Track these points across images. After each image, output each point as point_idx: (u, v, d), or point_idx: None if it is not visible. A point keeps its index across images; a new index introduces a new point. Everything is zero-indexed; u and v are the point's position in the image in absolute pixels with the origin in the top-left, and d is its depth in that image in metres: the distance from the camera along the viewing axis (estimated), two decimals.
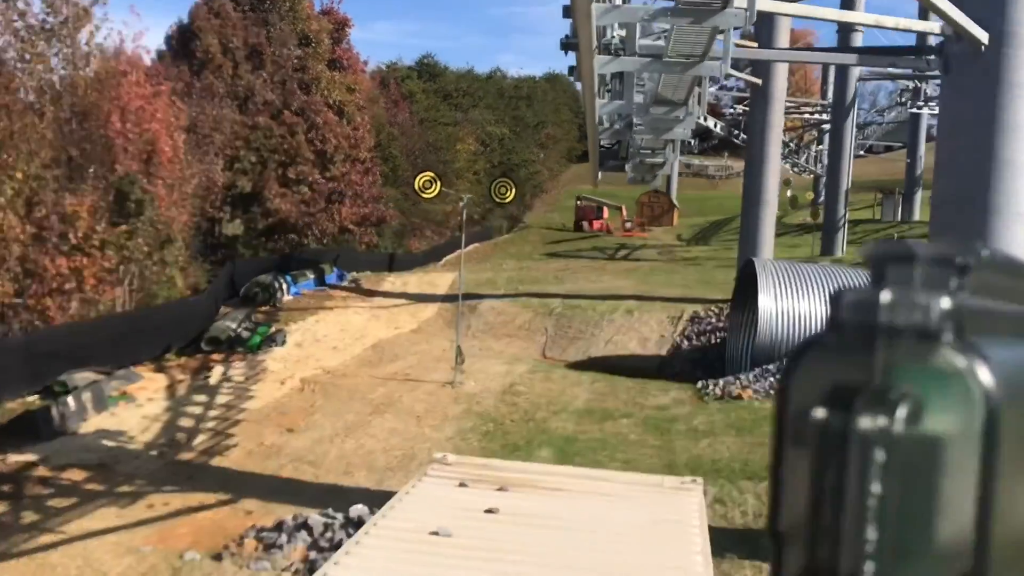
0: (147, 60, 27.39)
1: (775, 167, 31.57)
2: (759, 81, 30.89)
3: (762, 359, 24.63)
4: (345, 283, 37.14)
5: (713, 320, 30.33)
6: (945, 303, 0.32)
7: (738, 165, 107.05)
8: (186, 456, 17.54)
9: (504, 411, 20.64)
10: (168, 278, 27.45)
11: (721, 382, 23.28)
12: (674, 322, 30.55)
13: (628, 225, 68.34)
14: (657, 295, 33.67)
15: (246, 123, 38.16)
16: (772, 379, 22.71)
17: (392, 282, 37.66)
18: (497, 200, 22.87)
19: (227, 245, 39.03)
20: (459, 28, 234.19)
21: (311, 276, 35.40)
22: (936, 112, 54.10)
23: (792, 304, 25.07)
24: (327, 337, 28.05)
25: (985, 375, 0.30)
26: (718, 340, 29.20)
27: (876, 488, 0.30)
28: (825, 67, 76.69)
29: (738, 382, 23.09)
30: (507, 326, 31.25)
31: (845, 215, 45.00)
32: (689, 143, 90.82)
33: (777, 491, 0.33)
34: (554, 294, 34.17)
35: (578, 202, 74.68)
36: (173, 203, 26.33)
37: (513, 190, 22.76)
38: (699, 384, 23.44)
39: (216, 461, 17.28)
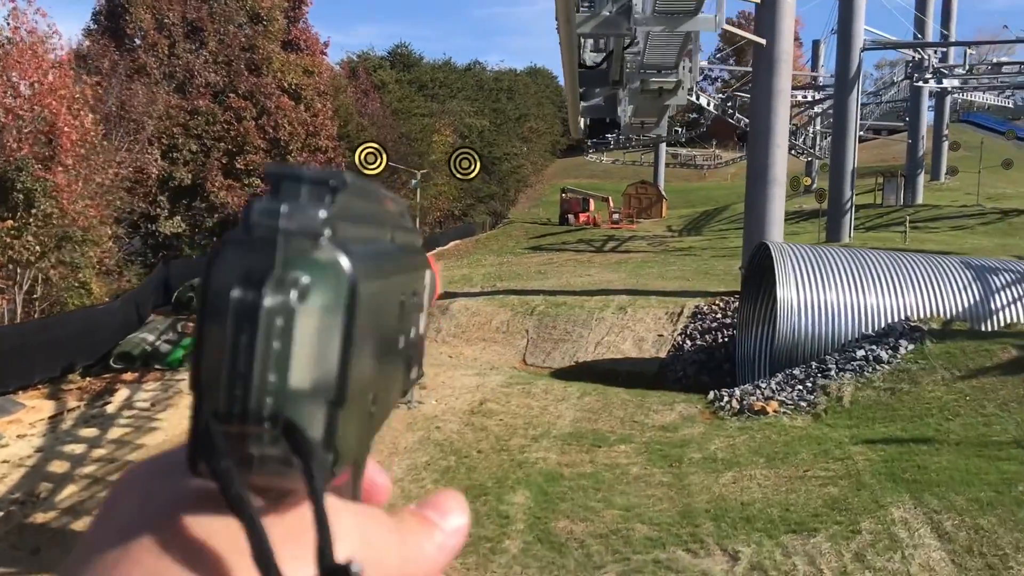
0: (44, 26, 22.78)
1: (783, 140, 27.07)
2: (763, 41, 26.40)
3: (783, 361, 20.15)
4: None
5: (719, 315, 25.86)
6: (323, 213, 0.42)
7: (727, 155, 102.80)
8: (42, 517, 12.93)
9: (471, 438, 16.08)
10: (80, 283, 22.83)
11: (738, 392, 18.75)
12: (673, 319, 26.08)
13: (616, 217, 63.86)
14: (652, 289, 29.19)
15: (184, 107, 33.36)
16: (801, 388, 18.21)
17: None
18: (459, 175, 18.24)
19: (171, 246, 34.41)
20: (442, 30, 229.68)
21: None
22: (942, 86, 49.81)
23: (816, 294, 20.60)
24: None
25: (346, 263, 0.42)
26: (726, 339, 24.73)
27: (276, 345, 0.39)
28: (815, 43, 72.25)
29: (759, 391, 18.58)
30: (482, 328, 26.69)
31: (852, 198, 40.63)
32: (676, 131, 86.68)
33: (200, 352, 0.40)
34: (536, 290, 29.64)
35: (563, 195, 70.13)
36: (79, 195, 21.73)
37: (477, 164, 18.16)
38: (711, 395, 18.89)
39: (80, 524, 12.68)
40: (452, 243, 63.01)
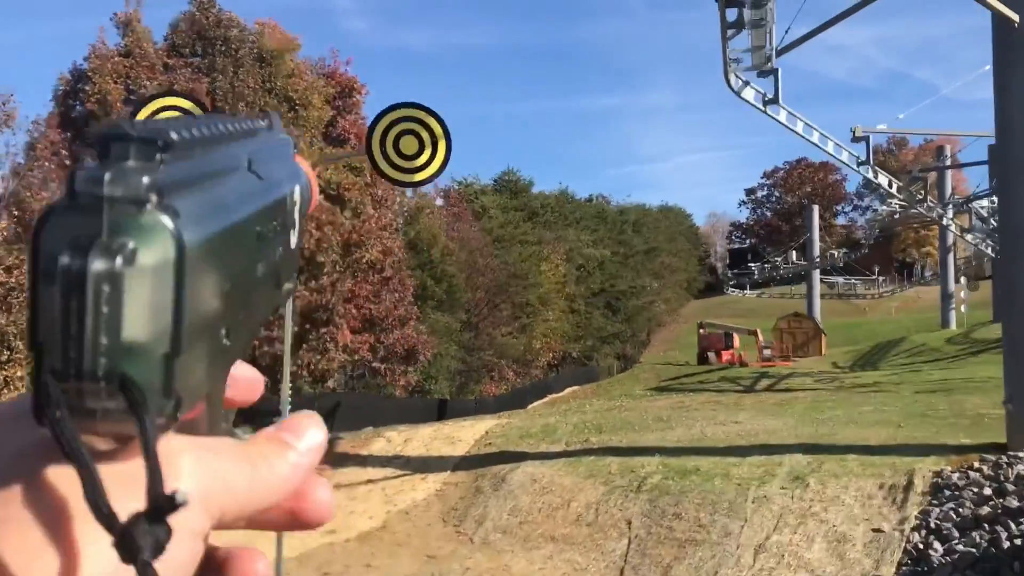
0: None
1: None
2: (1015, 16, 15.19)
3: None
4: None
5: (986, 488, 13.60)
6: (147, 179, 0.41)
7: (895, 285, 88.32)
8: None
9: None
10: None
11: None
12: (895, 497, 13.99)
13: (767, 353, 51.38)
14: (845, 442, 17.18)
15: None
16: None
17: (389, 439, 22.13)
18: (395, 170, 7.72)
19: None
20: (579, 189, 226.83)
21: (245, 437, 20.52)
22: None
23: None
24: None
25: (171, 224, 0.41)
26: (1017, 536, 12.41)
27: (105, 309, 0.39)
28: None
29: None
30: (553, 517, 15.23)
31: None
32: (830, 254, 73.78)
33: (34, 313, 0.40)
34: (652, 448, 18.06)
35: (701, 330, 58.25)
36: None
37: (435, 146, 7.55)
38: None
39: None
40: (568, 389, 51.78)
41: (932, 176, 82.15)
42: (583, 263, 59.18)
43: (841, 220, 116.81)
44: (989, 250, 46.81)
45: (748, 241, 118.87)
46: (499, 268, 44.57)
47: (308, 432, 0.54)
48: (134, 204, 0.41)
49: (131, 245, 0.41)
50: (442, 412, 34.91)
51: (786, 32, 21.39)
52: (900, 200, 33.33)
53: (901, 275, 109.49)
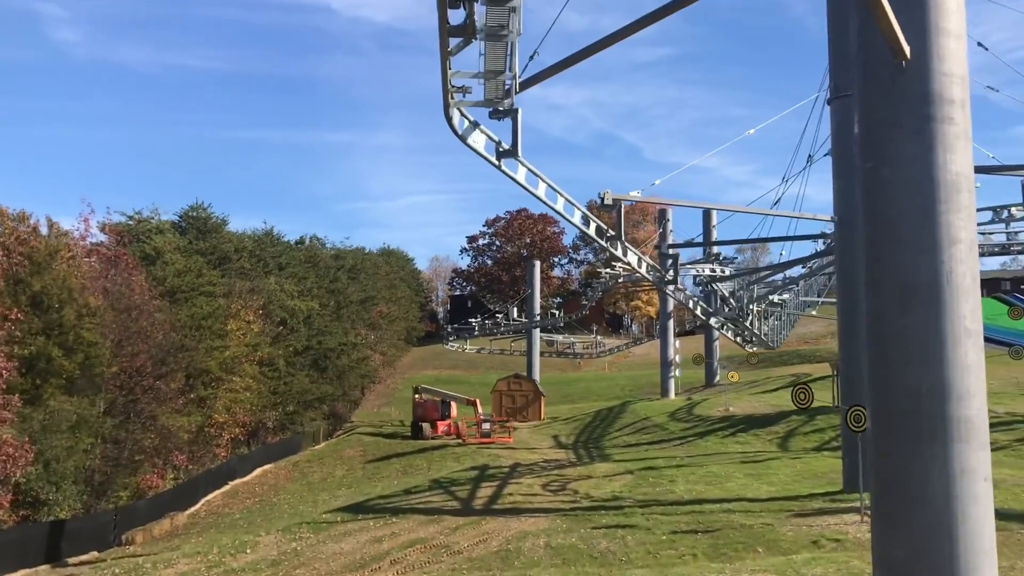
0: None
1: (972, 309, 9.44)
2: (908, 51, 9.18)
3: None
4: None
5: None
6: None
7: (611, 341, 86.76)
8: None
9: None
10: None
11: None
12: None
13: (486, 427, 45.07)
14: None
15: None
16: None
17: None
18: None
19: None
20: (302, 225, 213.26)
21: None
22: None
23: None
24: None
25: None
26: None
27: None
28: (707, 213, 56.39)
29: None
30: None
31: None
32: (552, 314, 70.03)
33: None
34: None
35: (416, 396, 50.99)
36: None
37: None
38: None
39: None
40: (258, 470, 42.30)
41: (646, 235, 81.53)
42: (285, 317, 50.25)
43: (557, 272, 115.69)
44: (729, 333, 44.05)
45: (469, 288, 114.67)
46: (168, 330, 34.75)
47: None
48: None
49: None
50: (55, 543, 24.69)
51: (530, 59, 14.73)
52: (641, 273, 28.19)
53: (613, 328, 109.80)
